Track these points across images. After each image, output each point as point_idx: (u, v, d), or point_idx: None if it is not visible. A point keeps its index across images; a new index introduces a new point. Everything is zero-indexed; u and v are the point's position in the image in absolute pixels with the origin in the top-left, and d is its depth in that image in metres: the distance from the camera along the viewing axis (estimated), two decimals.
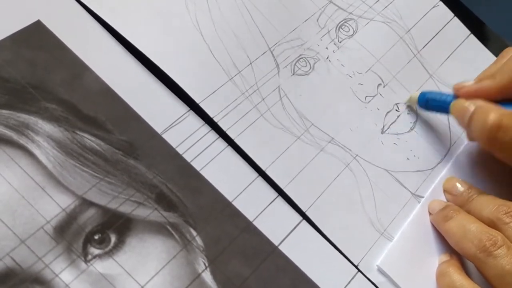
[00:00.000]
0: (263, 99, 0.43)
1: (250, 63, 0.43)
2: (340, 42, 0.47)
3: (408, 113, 0.47)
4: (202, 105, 0.40)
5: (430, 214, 0.42)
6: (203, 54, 0.42)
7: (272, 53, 0.45)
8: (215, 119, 0.40)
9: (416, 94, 0.46)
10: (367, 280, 0.39)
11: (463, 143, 0.47)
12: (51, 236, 0.34)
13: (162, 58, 0.41)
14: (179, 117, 0.40)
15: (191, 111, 0.41)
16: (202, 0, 0.45)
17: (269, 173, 0.40)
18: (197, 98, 0.41)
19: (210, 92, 0.41)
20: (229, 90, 0.42)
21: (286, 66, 0.45)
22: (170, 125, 0.39)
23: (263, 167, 0.40)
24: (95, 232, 0.34)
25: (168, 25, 0.43)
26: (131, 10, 0.42)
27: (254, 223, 0.38)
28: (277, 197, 0.40)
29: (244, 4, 0.46)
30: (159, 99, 0.40)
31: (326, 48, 0.47)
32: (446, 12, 0.52)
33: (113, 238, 0.35)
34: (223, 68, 0.42)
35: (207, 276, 0.36)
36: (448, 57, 0.50)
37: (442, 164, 0.45)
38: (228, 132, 0.40)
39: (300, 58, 0.46)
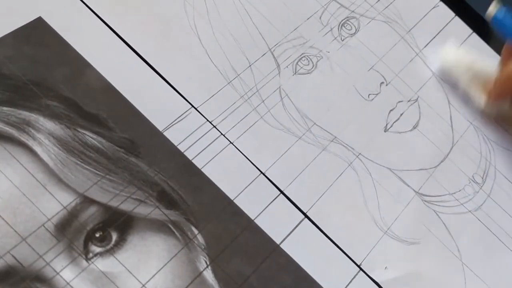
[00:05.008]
0: (263, 101, 0.43)
1: (250, 66, 0.43)
2: (342, 40, 0.47)
3: (411, 111, 0.46)
4: (200, 109, 0.40)
5: None
6: (201, 58, 0.43)
7: (272, 53, 0.45)
8: (214, 123, 0.40)
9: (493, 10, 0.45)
10: (369, 279, 0.39)
11: (466, 142, 0.47)
12: (52, 233, 0.33)
13: (160, 61, 0.41)
14: (181, 115, 0.40)
15: (192, 108, 0.40)
16: (201, 4, 0.45)
17: (269, 175, 0.40)
18: (195, 103, 0.41)
19: (208, 96, 0.41)
20: (228, 93, 0.42)
21: (287, 66, 0.45)
22: (172, 123, 0.39)
23: (262, 170, 0.40)
24: (96, 230, 0.34)
25: (166, 29, 0.43)
26: (130, 12, 0.43)
27: (256, 221, 0.38)
28: (279, 195, 0.40)
29: (243, 6, 0.46)
30: (161, 96, 0.40)
31: (329, 45, 0.47)
32: (447, 12, 0.52)
33: (114, 236, 0.35)
34: (221, 72, 0.42)
35: (208, 275, 0.35)
36: None
37: (445, 162, 0.45)
38: (227, 136, 0.40)
39: (302, 57, 0.45)
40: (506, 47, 0.47)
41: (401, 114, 0.46)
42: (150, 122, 0.39)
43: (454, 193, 0.44)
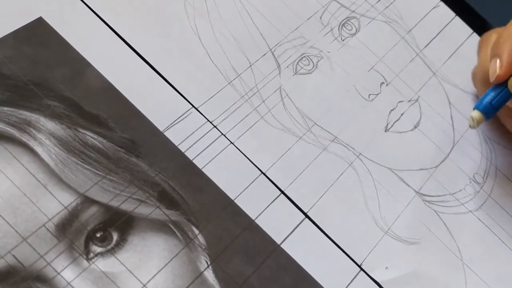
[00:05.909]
0: (264, 101, 0.43)
1: (250, 66, 0.43)
2: (343, 40, 0.47)
3: (411, 111, 0.46)
4: (201, 109, 0.41)
5: None
6: (202, 58, 0.43)
7: (273, 54, 0.45)
8: (214, 123, 0.40)
9: (478, 113, 0.41)
10: (369, 279, 0.39)
11: (467, 142, 0.47)
12: (53, 234, 0.33)
13: (161, 62, 0.41)
14: (182, 115, 0.40)
15: (193, 108, 0.40)
16: (201, 4, 0.45)
17: (269, 175, 0.40)
18: (195, 103, 0.41)
19: (208, 96, 0.41)
20: (228, 94, 0.42)
21: (287, 66, 0.45)
22: (173, 123, 0.39)
23: (263, 170, 0.40)
24: (97, 230, 0.34)
25: (167, 29, 0.43)
26: (131, 13, 0.43)
27: (256, 221, 0.38)
28: (279, 195, 0.40)
29: (244, 7, 0.46)
30: (162, 96, 0.40)
31: (330, 46, 0.47)
32: (447, 12, 0.52)
33: (115, 236, 0.35)
34: (221, 72, 0.42)
35: (209, 275, 0.35)
36: (451, 55, 0.50)
37: (446, 162, 0.45)
38: (227, 136, 0.40)
39: (303, 57, 0.45)
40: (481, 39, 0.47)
41: (402, 114, 0.46)
42: (150, 122, 0.39)
43: (455, 193, 0.44)
